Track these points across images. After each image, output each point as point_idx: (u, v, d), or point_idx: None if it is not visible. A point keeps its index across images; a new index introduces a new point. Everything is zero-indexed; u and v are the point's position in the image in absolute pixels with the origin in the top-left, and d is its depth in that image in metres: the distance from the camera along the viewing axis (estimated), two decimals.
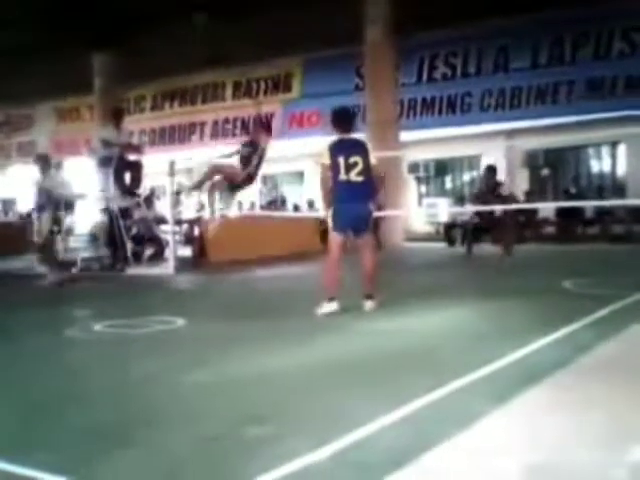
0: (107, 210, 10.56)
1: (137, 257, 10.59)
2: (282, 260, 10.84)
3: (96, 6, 15.02)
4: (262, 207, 18.79)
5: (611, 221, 14.96)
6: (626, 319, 4.72)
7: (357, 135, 6.08)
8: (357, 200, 5.57)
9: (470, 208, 12.60)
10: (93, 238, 11.75)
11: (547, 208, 15.82)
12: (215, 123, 21.08)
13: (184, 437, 2.61)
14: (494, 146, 17.24)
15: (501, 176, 12.57)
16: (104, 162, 10.38)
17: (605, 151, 17.98)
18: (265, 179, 21.65)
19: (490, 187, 10.94)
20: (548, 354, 3.83)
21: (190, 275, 9.76)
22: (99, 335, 4.98)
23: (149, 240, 11.62)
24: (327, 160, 5.58)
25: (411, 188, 19.83)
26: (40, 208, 8.75)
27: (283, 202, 20.46)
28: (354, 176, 5.51)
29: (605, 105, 14.78)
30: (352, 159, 5.52)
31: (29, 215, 10.81)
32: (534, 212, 15.45)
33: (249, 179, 8.27)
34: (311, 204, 18.38)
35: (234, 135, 19.63)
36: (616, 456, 2.29)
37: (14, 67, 17.53)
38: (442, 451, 2.34)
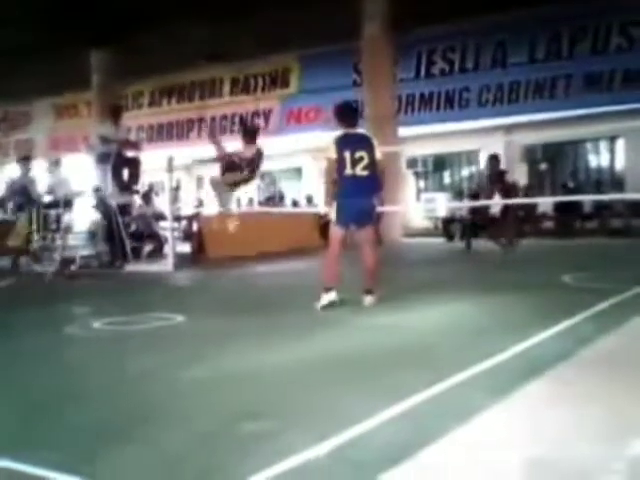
0: (101, 206, 10.50)
1: (136, 254, 10.57)
2: (281, 256, 10.84)
3: (95, 5, 14.97)
4: (260, 203, 18.77)
5: (609, 215, 14.93)
6: (626, 312, 4.72)
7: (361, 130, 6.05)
8: (362, 195, 5.57)
9: (467, 204, 12.61)
10: (92, 235, 11.71)
11: (545, 203, 15.81)
12: (213, 119, 21.05)
13: (182, 433, 2.61)
14: (492, 141, 17.17)
15: None
16: (102, 159, 10.34)
17: (603, 145, 17.95)
18: (263, 175, 21.60)
19: (494, 176, 10.93)
20: (549, 347, 3.83)
21: (189, 271, 9.76)
22: (98, 332, 4.97)
23: (148, 237, 11.64)
24: (334, 154, 5.54)
25: (409, 183, 19.81)
26: (19, 207, 8.62)
27: (281, 198, 20.44)
28: (360, 171, 5.50)
29: (603, 99, 14.80)
30: (358, 154, 5.50)
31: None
32: (534, 207, 15.43)
33: (246, 181, 8.25)
34: (310, 200, 18.36)
35: (232, 131, 19.60)
36: (617, 450, 2.29)
37: (13, 65, 17.45)
38: (441, 446, 2.33)
